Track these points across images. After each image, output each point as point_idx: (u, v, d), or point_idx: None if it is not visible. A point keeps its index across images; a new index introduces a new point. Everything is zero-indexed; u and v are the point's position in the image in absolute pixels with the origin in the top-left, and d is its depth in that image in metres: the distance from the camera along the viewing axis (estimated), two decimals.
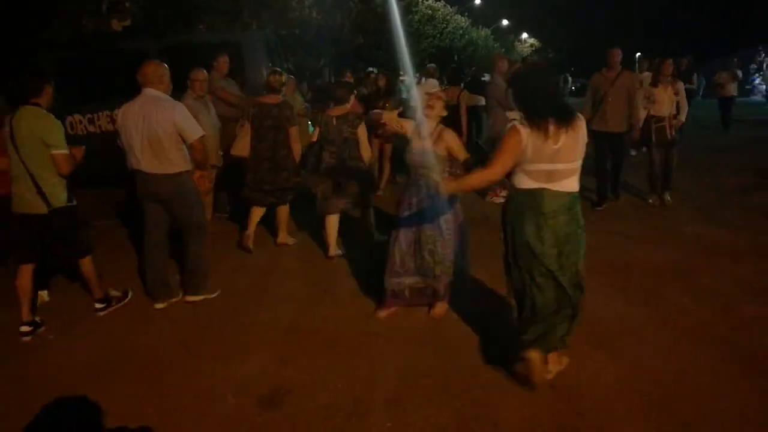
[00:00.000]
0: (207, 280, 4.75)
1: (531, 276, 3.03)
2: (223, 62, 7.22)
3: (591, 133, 4.29)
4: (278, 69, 6.28)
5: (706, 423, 2.90)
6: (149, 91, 4.40)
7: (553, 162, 2.87)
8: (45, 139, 3.96)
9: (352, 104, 5.62)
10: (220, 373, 3.56)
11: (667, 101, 6.80)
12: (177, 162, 4.37)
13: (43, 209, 4.06)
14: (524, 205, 2.97)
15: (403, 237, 4.10)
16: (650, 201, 7.19)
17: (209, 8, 11.34)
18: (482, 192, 7.54)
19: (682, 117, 6.99)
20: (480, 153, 8.22)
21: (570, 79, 31.72)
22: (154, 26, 10.17)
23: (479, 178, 3.10)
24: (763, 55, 25.55)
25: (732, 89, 13.82)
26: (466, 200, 4.68)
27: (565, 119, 2.86)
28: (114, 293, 4.63)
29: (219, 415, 3.14)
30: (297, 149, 5.65)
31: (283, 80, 5.86)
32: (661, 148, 6.90)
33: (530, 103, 2.92)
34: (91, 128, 8.80)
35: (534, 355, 3.08)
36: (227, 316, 4.43)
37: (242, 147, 5.66)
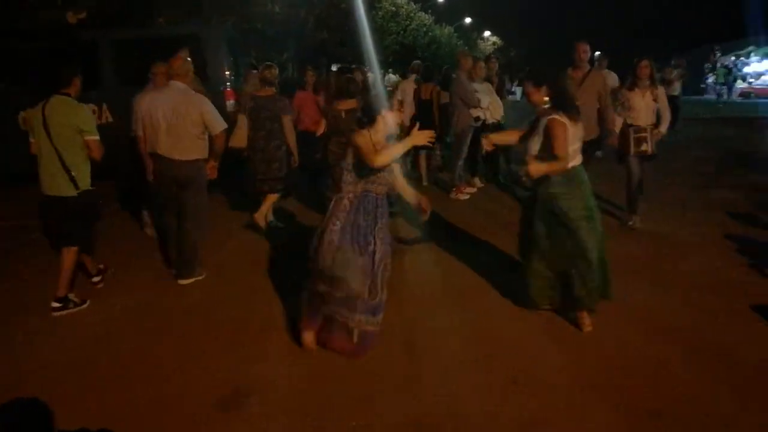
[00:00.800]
0: (199, 264, 5.01)
1: (586, 240, 3.70)
2: (182, 56, 7.06)
3: None
4: (271, 63, 6.57)
5: (672, 414, 2.93)
6: (176, 84, 4.82)
7: (575, 143, 3.74)
8: (81, 126, 4.30)
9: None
10: (181, 375, 3.45)
11: (644, 109, 5.90)
12: (197, 150, 4.77)
13: (73, 192, 4.36)
14: (578, 178, 3.80)
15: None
16: (629, 223, 6.13)
17: (169, 1, 11.12)
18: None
19: (663, 128, 6.07)
20: (449, 150, 8.19)
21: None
22: (111, 19, 9.92)
23: (559, 166, 3.63)
24: (718, 54, 26.25)
25: (677, 88, 14.04)
26: (434, 199, 4.65)
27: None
28: (73, 298, 4.50)
29: (177, 417, 3.04)
30: (292, 139, 6.00)
31: (276, 73, 6.15)
32: (641, 161, 6.01)
33: (566, 100, 3.75)
34: None
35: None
36: (199, 312, 4.34)
37: (239, 138, 5.98)
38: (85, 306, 4.53)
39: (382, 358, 3.55)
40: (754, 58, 28.99)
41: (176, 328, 4.11)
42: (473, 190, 8.10)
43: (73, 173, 4.33)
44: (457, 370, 3.43)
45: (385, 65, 29.01)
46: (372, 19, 22.36)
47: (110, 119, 8.33)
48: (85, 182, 4.43)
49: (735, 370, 3.32)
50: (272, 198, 6.16)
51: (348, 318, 3.42)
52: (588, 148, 5.18)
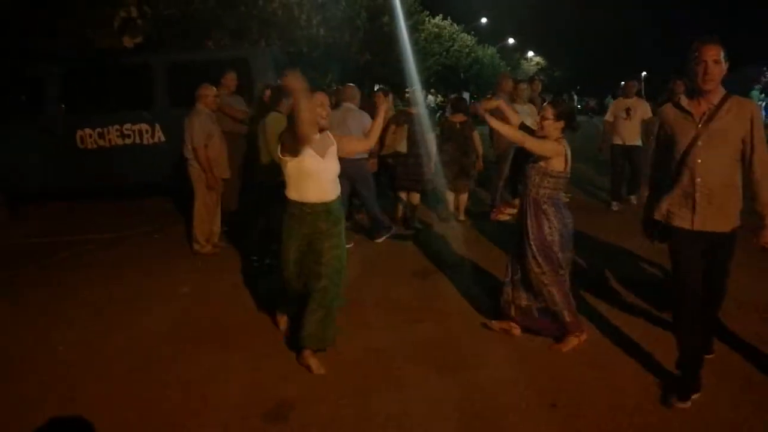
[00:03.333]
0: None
1: None
2: (231, 79, 7.37)
3: None
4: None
5: None
6: (347, 105, 6.56)
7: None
8: None
9: None
10: (223, 385, 3.57)
11: None
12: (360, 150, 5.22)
13: None
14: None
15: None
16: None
17: (217, 25, 11.49)
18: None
19: None
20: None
21: (575, 97, 31.86)
22: (163, 42, 10.32)
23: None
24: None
25: None
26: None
27: None
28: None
29: (220, 425, 3.15)
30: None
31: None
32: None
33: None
34: (101, 142, 8.89)
35: None
36: (236, 323, 4.46)
37: (390, 144, 7.20)
38: None
39: (414, 374, 3.61)
40: None
41: (221, 336, 4.25)
42: (514, 211, 8.09)
43: None
44: (499, 390, 3.45)
45: (427, 86, 29.23)
46: (415, 41, 22.63)
47: (162, 139, 8.67)
48: None
49: None
50: (416, 198, 7.43)
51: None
52: None
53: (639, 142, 8.21)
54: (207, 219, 6.41)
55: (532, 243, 3.86)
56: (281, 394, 3.45)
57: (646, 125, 8.06)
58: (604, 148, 8.66)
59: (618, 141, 8.31)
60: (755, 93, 23.59)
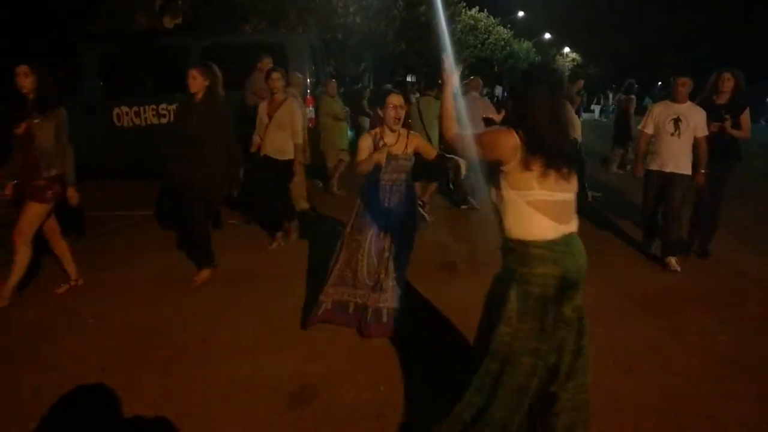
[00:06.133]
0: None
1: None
2: (267, 63, 7.37)
3: None
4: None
5: None
6: (473, 94, 7.71)
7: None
8: None
9: None
10: (248, 366, 3.62)
11: None
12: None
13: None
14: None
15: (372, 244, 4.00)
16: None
17: (256, 10, 11.56)
18: None
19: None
20: None
21: (610, 95, 31.34)
22: (201, 25, 10.43)
23: (454, 132, 3.47)
24: None
25: None
26: None
27: None
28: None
29: (246, 406, 3.19)
30: None
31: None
32: None
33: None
34: (137, 121, 9.04)
35: None
36: (259, 306, 4.51)
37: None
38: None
39: (439, 362, 3.61)
40: None
41: (243, 317, 4.30)
42: None
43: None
44: None
45: (462, 77, 28.93)
46: (451, 32, 22.47)
47: None
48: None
49: None
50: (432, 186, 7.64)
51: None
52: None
53: (688, 170, 5.43)
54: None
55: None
56: (305, 378, 3.48)
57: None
58: (640, 169, 5.88)
59: (655, 165, 5.57)
60: None
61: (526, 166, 2.27)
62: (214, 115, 4.88)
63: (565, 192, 2.35)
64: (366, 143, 4.03)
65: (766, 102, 24.11)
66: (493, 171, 2.42)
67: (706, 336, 4.10)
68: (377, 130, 4.08)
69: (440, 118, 2.63)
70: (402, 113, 3.96)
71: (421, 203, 7.76)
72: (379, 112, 3.98)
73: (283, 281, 5.12)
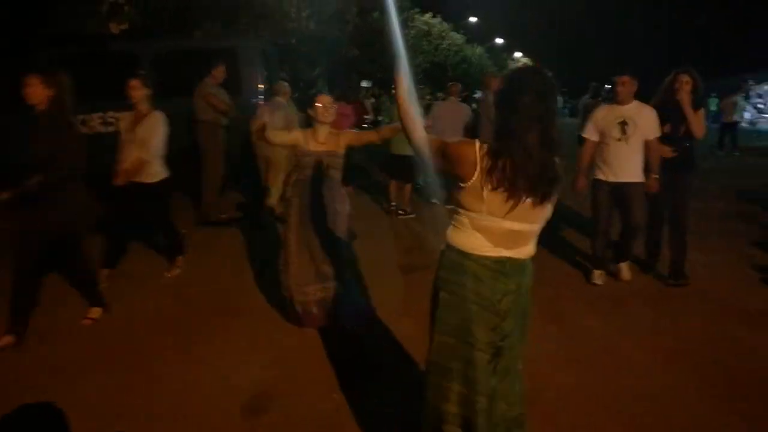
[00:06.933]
0: None
1: None
2: (220, 71, 7.27)
3: None
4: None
5: None
6: (452, 99, 8.32)
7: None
8: None
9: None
10: (203, 375, 3.56)
11: None
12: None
13: None
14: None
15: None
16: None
17: (207, 15, 11.42)
18: None
19: None
20: None
21: (561, 99, 32.06)
22: (151, 30, 10.23)
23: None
24: (750, 83, 26.01)
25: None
26: None
27: None
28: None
29: (199, 417, 3.14)
30: None
31: None
32: None
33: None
34: (84, 130, 8.78)
35: None
36: (213, 311, 4.44)
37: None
38: None
39: (394, 368, 3.62)
40: None
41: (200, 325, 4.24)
42: None
43: None
44: None
45: (416, 83, 29.11)
46: (404, 38, 22.58)
47: None
48: None
49: (751, 400, 3.31)
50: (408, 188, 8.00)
51: None
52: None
53: (641, 177, 4.94)
54: None
55: None
56: (261, 385, 3.45)
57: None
58: (583, 182, 5.22)
59: (603, 175, 5.06)
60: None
61: (483, 189, 2.05)
62: (60, 134, 3.97)
63: (524, 222, 2.11)
64: (295, 134, 4.13)
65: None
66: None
67: (654, 332, 4.25)
68: (310, 129, 4.14)
69: (401, 120, 2.37)
70: (332, 111, 4.09)
71: (402, 212, 7.90)
72: (309, 113, 4.05)
73: (237, 285, 5.07)
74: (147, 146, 4.90)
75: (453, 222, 2.25)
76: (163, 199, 5.27)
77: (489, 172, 2.02)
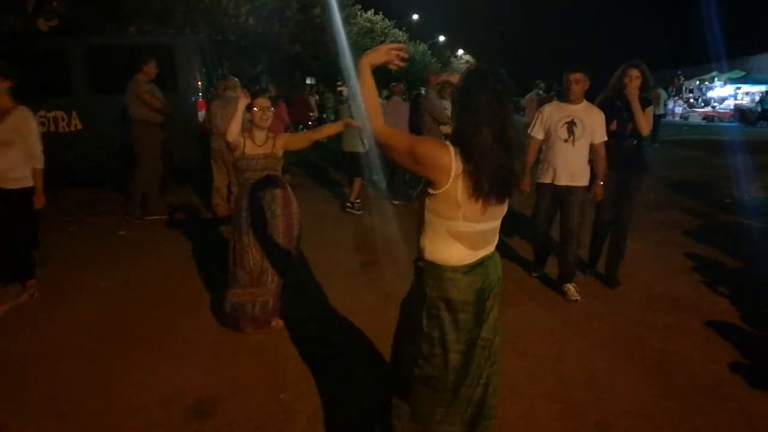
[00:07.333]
0: None
1: None
2: (152, 68, 7.09)
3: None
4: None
5: (618, 426, 3.03)
6: (396, 98, 8.44)
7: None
8: None
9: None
10: (144, 383, 3.44)
11: None
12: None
13: None
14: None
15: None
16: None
17: (141, 10, 11.06)
18: None
19: None
20: None
21: None
22: (83, 27, 9.85)
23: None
24: (682, 79, 27.15)
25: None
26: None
27: None
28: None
29: (143, 425, 3.03)
30: None
31: None
32: None
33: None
34: None
35: None
36: (155, 320, 4.31)
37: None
38: None
39: (342, 370, 3.60)
40: (717, 83, 30.06)
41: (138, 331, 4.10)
42: None
43: None
44: None
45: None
46: (347, 34, 22.55)
47: (79, 126, 8.24)
48: None
49: (684, 384, 3.44)
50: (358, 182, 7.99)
51: None
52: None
53: (585, 182, 4.76)
54: None
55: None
56: (206, 390, 3.36)
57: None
58: (527, 181, 4.98)
59: (548, 178, 4.81)
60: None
61: (458, 194, 2.00)
62: None
63: (491, 221, 2.13)
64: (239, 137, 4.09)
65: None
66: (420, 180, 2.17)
67: (593, 320, 4.37)
68: (247, 133, 4.10)
69: (366, 110, 2.15)
70: (270, 114, 4.09)
71: (350, 204, 7.85)
72: (247, 116, 4.03)
73: (180, 289, 4.94)
74: (15, 147, 4.37)
75: (426, 230, 2.15)
76: (27, 208, 4.54)
77: (462, 177, 1.99)
